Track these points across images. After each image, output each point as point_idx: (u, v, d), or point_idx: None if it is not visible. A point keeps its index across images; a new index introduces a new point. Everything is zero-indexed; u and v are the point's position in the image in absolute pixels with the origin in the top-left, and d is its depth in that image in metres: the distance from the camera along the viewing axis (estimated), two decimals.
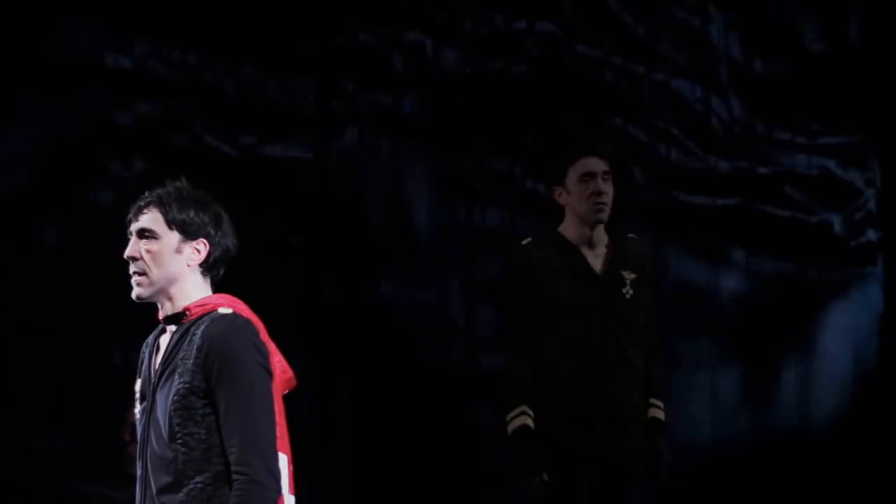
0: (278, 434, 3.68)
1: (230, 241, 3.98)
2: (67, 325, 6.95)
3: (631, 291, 5.38)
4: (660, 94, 8.30)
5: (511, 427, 5.25)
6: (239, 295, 7.22)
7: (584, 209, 5.35)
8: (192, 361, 3.68)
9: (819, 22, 8.66)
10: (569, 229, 5.43)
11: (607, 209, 5.40)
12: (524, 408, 5.22)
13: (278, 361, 3.84)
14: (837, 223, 8.57)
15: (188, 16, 7.21)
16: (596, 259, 5.42)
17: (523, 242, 5.46)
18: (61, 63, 6.97)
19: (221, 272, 3.98)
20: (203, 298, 3.84)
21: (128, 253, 3.84)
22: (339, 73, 7.58)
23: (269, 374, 3.74)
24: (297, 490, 3.80)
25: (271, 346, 3.83)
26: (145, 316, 6.93)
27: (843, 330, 8.49)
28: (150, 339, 3.91)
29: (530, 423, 5.22)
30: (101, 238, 6.94)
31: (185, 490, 3.60)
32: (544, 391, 5.27)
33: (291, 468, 3.75)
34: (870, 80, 8.69)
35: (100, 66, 7.06)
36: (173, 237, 3.84)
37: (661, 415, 5.46)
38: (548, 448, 5.23)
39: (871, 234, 8.66)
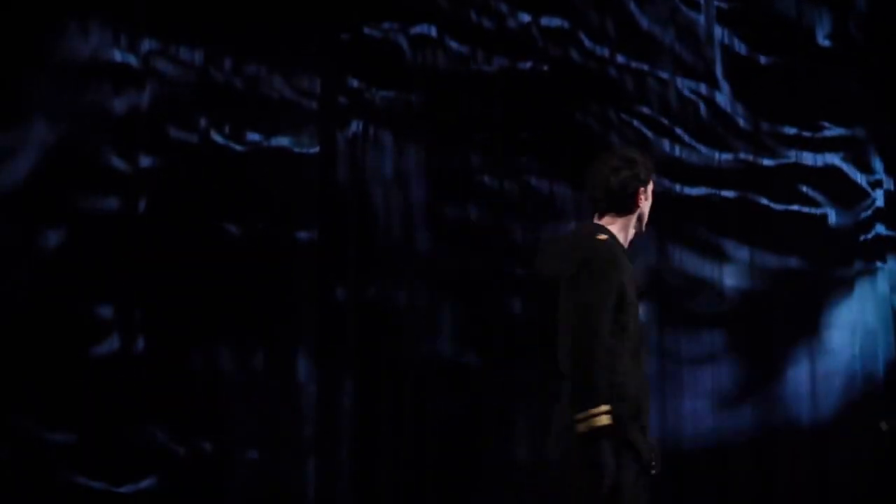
0: None
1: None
2: (70, 321, 6.95)
3: None
4: (664, 89, 8.30)
5: (592, 425, 5.17)
6: (244, 290, 7.24)
7: (646, 219, 5.37)
8: None
9: (825, 18, 8.66)
10: (620, 232, 5.40)
11: None
12: (607, 407, 5.17)
13: None
14: (843, 218, 8.58)
15: (194, 13, 7.21)
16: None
17: (602, 237, 5.37)
18: (68, 61, 6.97)
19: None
20: None
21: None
22: (344, 69, 7.58)
23: None
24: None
25: None
26: (147, 314, 6.97)
27: (849, 325, 8.49)
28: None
29: (610, 422, 5.17)
30: (106, 235, 6.97)
31: None
32: (618, 392, 5.23)
33: None
34: (874, 77, 8.69)
35: (106, 64, 7.06)
36: None
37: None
38: (620, 448, 5.21)
39: (881, 230, 8.65)
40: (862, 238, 8.62)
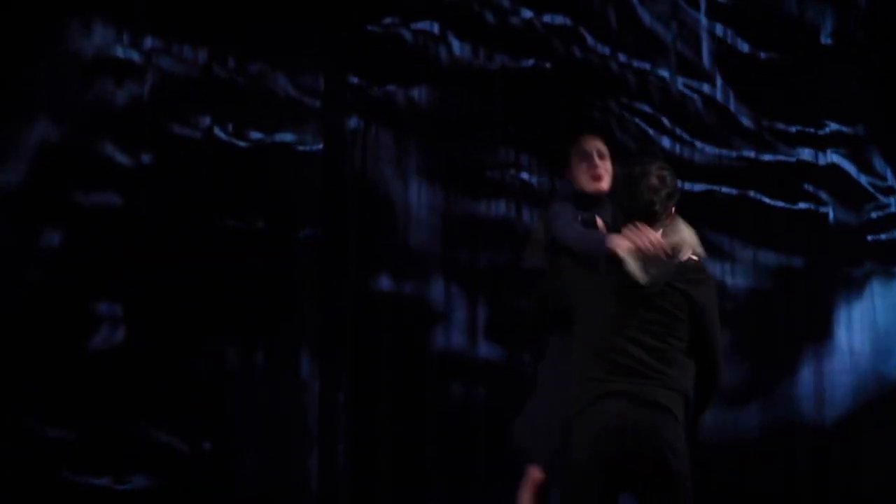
0: None
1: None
2: (73, 319, 6.96)
3: None
4: (665, 87, 8.31)
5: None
6: (246, 287, 7.25)
7: None
8: None
9: (826, 16, 8.66)
10: None
11: None
12: None
13: None
14: (846, 217, 8.57)
15: (197, 11, 7.23)
16: None
17: None
18: (71, 59, 6.99)
19: None
20: None
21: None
22: (347, 66, 7.59)
23: None
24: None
25: None
26: (150, 311, 6.98)
27: (860, 325, 8.46)
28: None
29: None
30: (108, 231, 6.98)
31: None
32: None
33: None
34: (875, 75, 8.69)
35: (109, 61, 7.07)
36: None
37: None
38: None
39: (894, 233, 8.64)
40: (871, 238, 8.59)
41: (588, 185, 5.82)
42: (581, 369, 5.11)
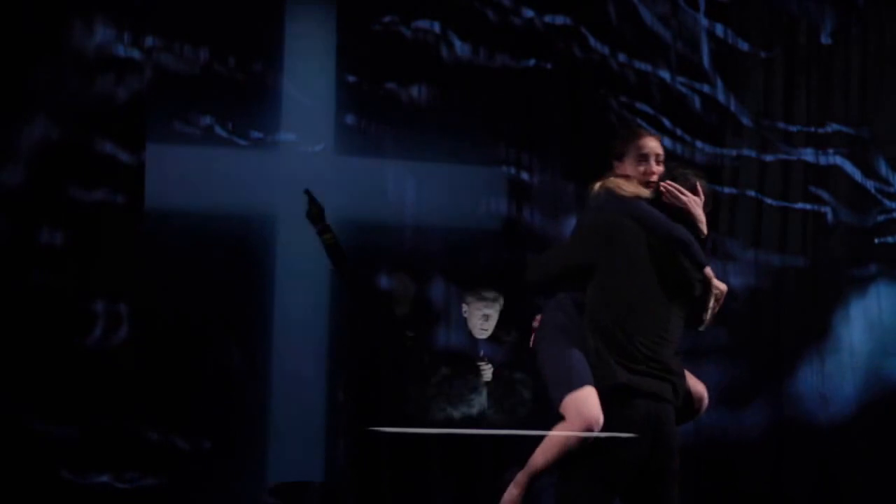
0: None
1: None
2: (73, 316, 6.96)
3: None
4: (665, 87, 8.31)
5: None
6: (244, 284, 7.23)
7: None
8: None
9: (827, 15, 8.67)
10: None
11: None
12: None
13: None
14: (848, 218, 8.56)
15: (198, 10, 7.25)
16: None
17: None
18: (73, 57, 7.00)
19: None
20: None
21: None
22: (347, 65, 7.60)
23: None
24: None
25: None
26: (155, 310, 6.98)
27: (862, 325, 8.45)
28: None
29: None
30: (108, 226, 6.99)
31: None
32: None
33: None
34: (875, 75, 8.68)
35: (111, 59, 7.08)
36: None
37: None
38: None
39: None
40: (878, 241, 8.57)
41: (638, 187, 5.48)
42: (603, 353, 5.12)
